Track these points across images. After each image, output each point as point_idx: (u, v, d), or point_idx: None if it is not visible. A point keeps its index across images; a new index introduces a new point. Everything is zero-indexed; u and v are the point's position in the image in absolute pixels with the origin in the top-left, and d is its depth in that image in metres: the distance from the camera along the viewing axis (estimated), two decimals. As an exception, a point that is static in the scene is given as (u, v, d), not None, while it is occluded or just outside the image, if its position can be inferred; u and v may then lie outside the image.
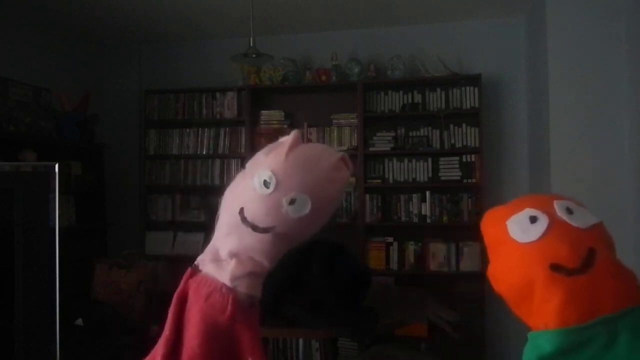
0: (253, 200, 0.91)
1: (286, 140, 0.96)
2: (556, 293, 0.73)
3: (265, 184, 0.87)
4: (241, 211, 0.91)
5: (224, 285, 0.91)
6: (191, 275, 0.96)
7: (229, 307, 0.89)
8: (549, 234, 0.77)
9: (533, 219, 0.79)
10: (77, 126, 3.80)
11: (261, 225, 0.90)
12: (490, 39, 3.90)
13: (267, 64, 3.86)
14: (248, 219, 0.90)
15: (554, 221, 0.78)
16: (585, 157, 3.11)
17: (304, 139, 4.08)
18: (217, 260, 0.92)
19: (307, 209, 0.88)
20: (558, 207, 0.79)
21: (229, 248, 0.92)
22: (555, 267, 0.74)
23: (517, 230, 0.80)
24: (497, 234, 0.84)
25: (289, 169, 0.89)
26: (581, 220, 0.78)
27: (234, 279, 0.90)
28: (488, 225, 0.89)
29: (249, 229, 0.90)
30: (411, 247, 3.78)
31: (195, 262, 0.98)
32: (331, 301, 1.90)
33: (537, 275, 0.75)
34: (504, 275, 0.82)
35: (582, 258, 0.74)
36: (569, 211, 0.79)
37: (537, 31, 3.48)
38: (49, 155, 3.30)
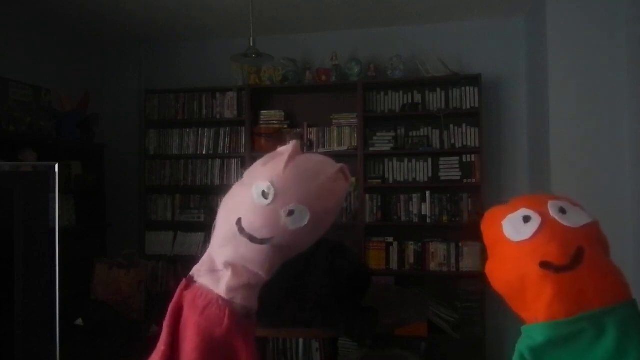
0: (251, 211, 0.88)
1: (285, 150, 0.93)
2: (545, 289, 0.77)
3: (264, 194, 0.85)
4: (238, 221, 0.89)
5: (220, 297, 0.89)
6: (186, 287, 0.94)
7: (226, 319, 0.87)
8: (540, 233, 0.80)
9: (526, 219, 0.82)
10: (77, 126, 3.80)
11: (258, 236, 0.88)
12: (490, 39, 3.90)
13: (267, 64, 3.86)
14: (245, 229, 0.88)
15: (546, 220, 0.81)
16: (585, 157, 3.11)
17: (303, 139, 4.07)
18: (213, 270, 0.90)
19: (305, 221, 0.86)
20: (552, 207, 0.83)
21: (225, 258, 0.90)
22: (544, 265, 0.78)
23: (510, 229, 0.84)
24: (494, 233, 0.89)
25: (287, 180, 0.87)
26: (573, 219, 0.81)
27: (229, 290, 0.88)
28: (486, 225, 0.93)
29: (246, 240, 0.88)
30: (411, 247, 3.78)
31: (191, 273, 0.95)
32: (331, 301, 1.90)
33: (528, 272, 0.79)
34: (499, 273, 0.87)
35: (571, 256, 0.77)
36: (562, 211, 0.82)
37: (537, 31, 3.48)
38: (49, 155, 3.30)
